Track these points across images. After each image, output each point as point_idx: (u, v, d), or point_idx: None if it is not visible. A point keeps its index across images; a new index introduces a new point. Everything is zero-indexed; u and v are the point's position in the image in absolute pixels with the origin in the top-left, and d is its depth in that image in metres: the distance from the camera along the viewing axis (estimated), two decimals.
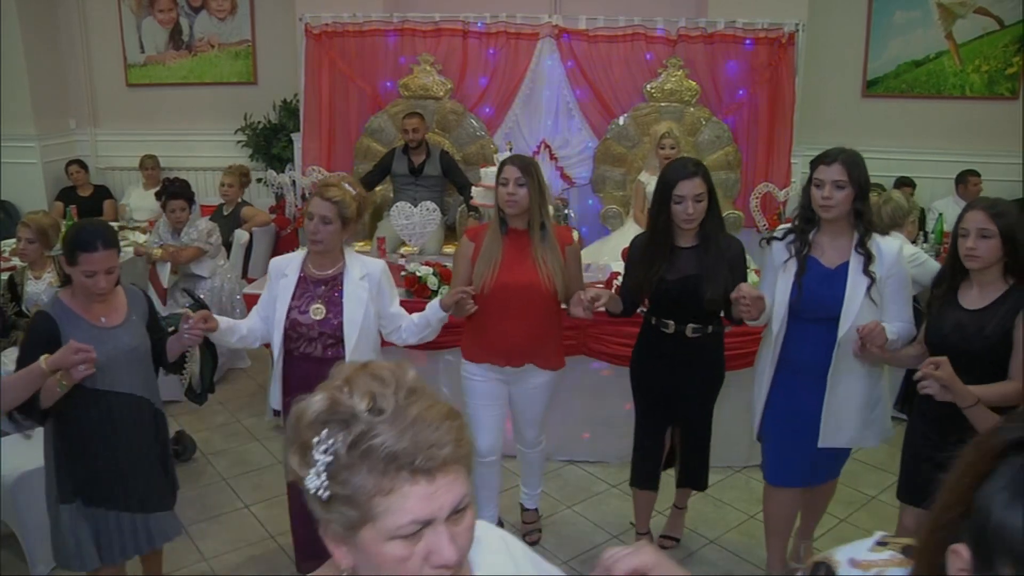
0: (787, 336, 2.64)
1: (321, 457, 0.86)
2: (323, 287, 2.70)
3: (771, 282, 2.69)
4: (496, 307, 2.87)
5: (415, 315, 2.87)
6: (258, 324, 2.79)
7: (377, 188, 5.46)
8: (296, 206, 5.47)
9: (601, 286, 3.20)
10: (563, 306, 3.02)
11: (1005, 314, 2.30)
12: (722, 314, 2.88)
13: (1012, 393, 2.19)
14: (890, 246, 2.58)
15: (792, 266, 2.61)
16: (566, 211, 5.54)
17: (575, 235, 3.40)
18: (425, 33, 5.67)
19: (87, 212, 6.35)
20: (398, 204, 4.63)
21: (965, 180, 6.06)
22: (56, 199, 6.66)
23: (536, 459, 3.31)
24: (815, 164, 2.56)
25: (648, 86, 5.54)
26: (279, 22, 6.69)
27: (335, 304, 2.68)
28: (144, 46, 7.21)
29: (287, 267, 2.75)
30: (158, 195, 4.91)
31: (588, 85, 5.58)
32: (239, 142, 7.02)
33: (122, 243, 5.38)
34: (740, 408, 3.24)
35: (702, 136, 5.53)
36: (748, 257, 2.98)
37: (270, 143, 6.91)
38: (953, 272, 2.44)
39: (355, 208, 2.67)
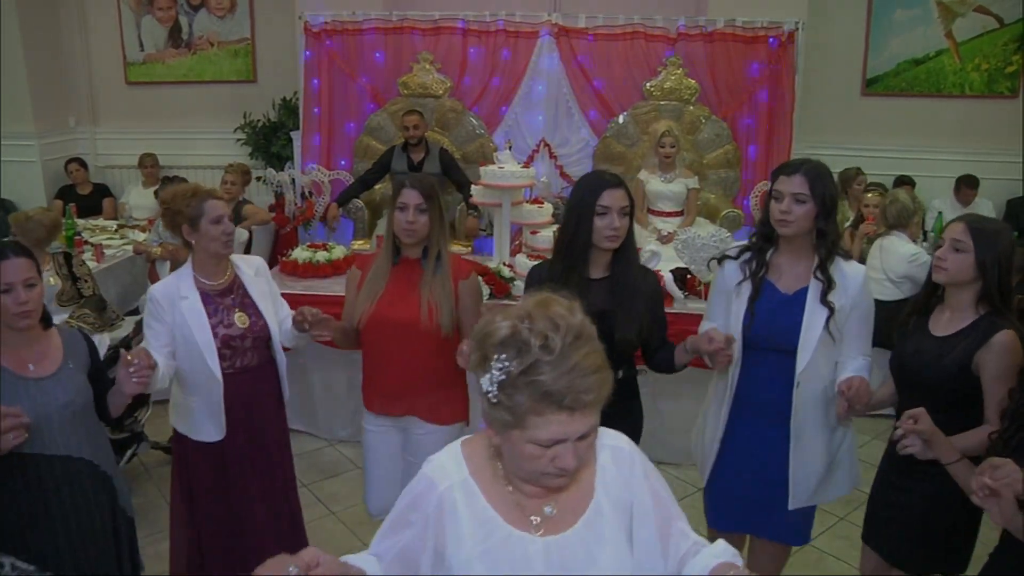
0: (743, 369, 2.36)
1: (496, 373, 1.15)
2: (229, 296, 2.54)
3: (720, 306, 2.42)
4: (374, 344, 2.60)
5: (288, 320, 2.65)
6: (162, 360, 2.38)
7: (376, 186, 5.46)
8: (295, 204, 5.46)
9: None
10: None
11: (967, 347, 2.12)
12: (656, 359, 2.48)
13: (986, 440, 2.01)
14: (855, 272, 2.29)
15: (746, 289, 2.33)
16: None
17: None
18: (424, 31, 5.67)
19: (87, 210, 6.36)
20: None
21: (960, 187, 6.05)
22: (56, 197, 6.65)
23: None
24: (776, 174, 2.29)
25: (648, 84, 5.54)
26: (278, 20, 6.69)
27: (251, 307, 2.55)
28: (143, 44, 7.20)
29: (179, 290, 2.48)
30: (157, 193, 4.91)
31: (588, 83, 5.58)
32: (238, 140, 7.02)
33: (121, 241, 5.45)
34: None
35: (702, 134, 5.53)
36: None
37: (269, 141, 6.91)
38: (929, 292, 2.28)
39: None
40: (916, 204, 4.39)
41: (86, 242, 5.17)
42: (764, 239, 2.35)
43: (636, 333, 2.33)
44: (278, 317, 2.66)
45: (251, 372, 2.57)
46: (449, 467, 1.31)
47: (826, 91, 6.37)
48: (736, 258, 2.39)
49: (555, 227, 4.42)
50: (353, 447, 4.18)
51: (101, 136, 7.38)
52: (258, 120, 6.98)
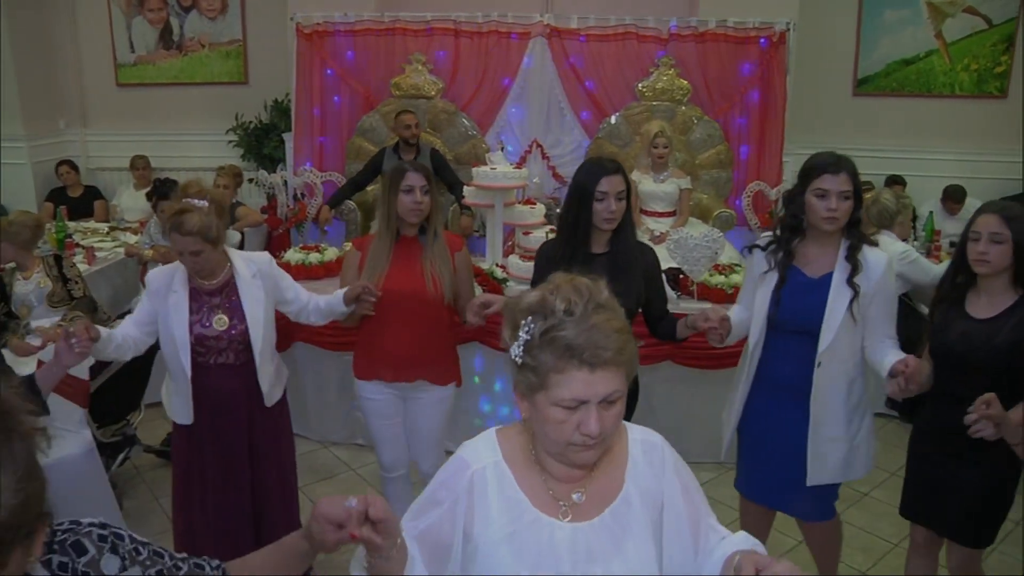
0: (766, 350, 2.49)
1: (522, 335, 1.21)
2: (218, 296, 2.62)
3: (749, 292, 2.57)
4: (382, 316, 2.76)
5: (320, 299, 2.80)
6: (132, 334, 2.57)
7: (369, 188, 5.45)
8: (288, 206, 5.45)
9: None
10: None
11: (1016, 325, 2.20)
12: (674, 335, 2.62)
13: None
14: (878, 259, 2.38)
15: (772, 278, 2.45)
16: (558, 210, 5.55)
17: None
18: (416, 32, 5.67)
19: (77, 213, 6.32)
20: None
21: (945, 200, 6.03)
22: (46, 200, 6.61)
23: None
24: (816, 172, 2.33)
25: (640, 85, 5.55)
26: (270, 21, 6.66)
27: (236, 310, 2.61)
28: (134, 46, 7.17)
29: (172, 282, 2.60)
30: (149, 195, 4.88)
31: (580, 84, 5.59)
32: (230, 142, 6.99)
33: (113, 244, 5.42)
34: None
35: (694, 135, 5.55)
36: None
37: (261, 143, 6.89)
38: (957, 278, 2.34)
39: (216, 224, 2.54)
40: (899, 204, 4.39)
41: (77, 244, 5.14)
42: (791, 231, 2.44)
43: (634, 302, 2.53)
44: (300, 301, 2.81)
45: (226, 368, 2.64)
46: (483, 450, 1.34)
47: (817, 91, 6.40)
48: (764, 248, 2.51)
49: (548, 227, 4.42)
50: (346, 449, 4.17)
51: (92, 138, 7.34)
52: (250, 122, 6.97)
